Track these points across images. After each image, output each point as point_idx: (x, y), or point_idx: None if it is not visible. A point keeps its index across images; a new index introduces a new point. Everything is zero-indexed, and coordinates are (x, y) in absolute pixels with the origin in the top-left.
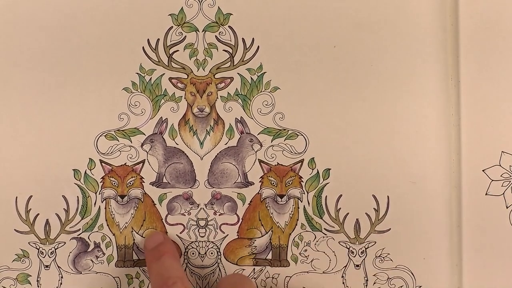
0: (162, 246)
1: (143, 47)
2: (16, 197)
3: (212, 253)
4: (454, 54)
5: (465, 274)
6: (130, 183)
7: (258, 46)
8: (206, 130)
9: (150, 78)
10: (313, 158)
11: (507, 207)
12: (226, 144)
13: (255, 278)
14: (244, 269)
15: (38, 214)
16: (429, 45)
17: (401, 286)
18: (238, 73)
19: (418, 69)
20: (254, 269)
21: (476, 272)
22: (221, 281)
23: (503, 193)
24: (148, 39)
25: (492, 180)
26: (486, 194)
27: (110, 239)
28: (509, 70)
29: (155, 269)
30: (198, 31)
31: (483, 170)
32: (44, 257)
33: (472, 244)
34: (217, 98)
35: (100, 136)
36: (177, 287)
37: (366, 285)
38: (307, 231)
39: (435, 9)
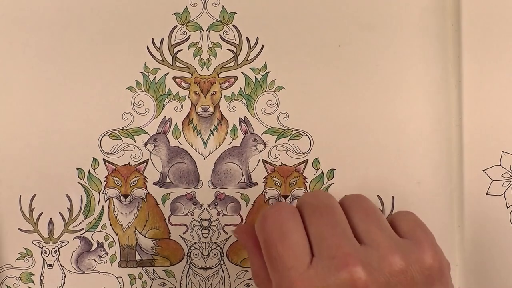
0: None
1: (147, 46)
2: (20, 196)
3: (215, 254)
4: (456, 54)
5: (465, 274)
6: (133, 183)
7: (262, 45)
8: (210, 130)
9: (154, 78)
10: (318, 158)
11: (507, 207)
12: (230, 144)
13: None
14: (247, 271)
15: (41, 213)
16: (430, 46)
17: None
18: (242, 73)
19: (419, 69)
20: None
21: (476, 272)
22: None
23: (504, 193)
24: (152, 38)
25: (493, 180)
26: (486, 194)
27: (113, 239)
28: (510, 70)
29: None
30: (203, 30)
31: (483, 170)
32: (47, 256)
33: (473, 244)
34: (221, 97)
35: (104, 135)
36: None
37: None
38: None
39: (437, 9)
